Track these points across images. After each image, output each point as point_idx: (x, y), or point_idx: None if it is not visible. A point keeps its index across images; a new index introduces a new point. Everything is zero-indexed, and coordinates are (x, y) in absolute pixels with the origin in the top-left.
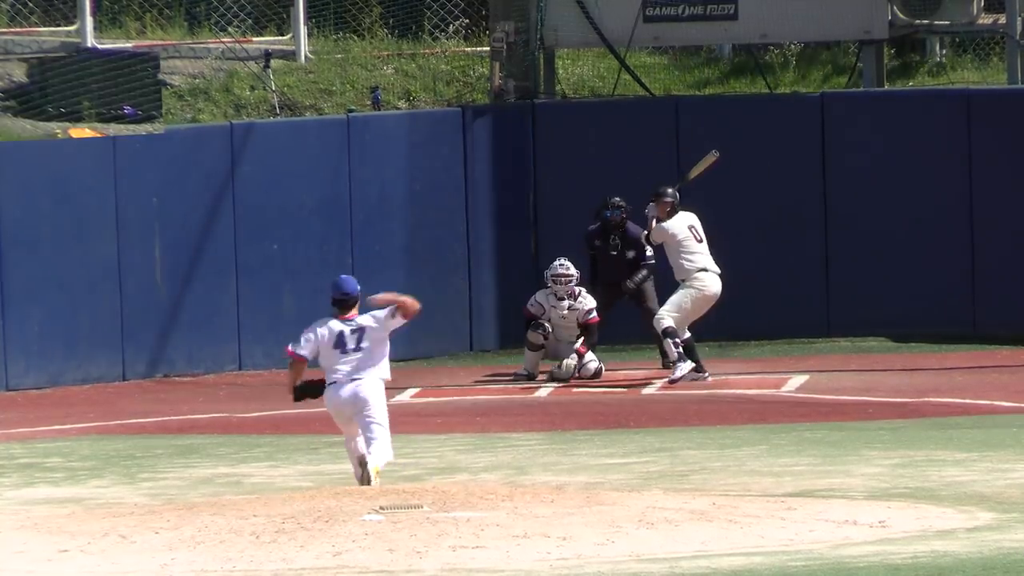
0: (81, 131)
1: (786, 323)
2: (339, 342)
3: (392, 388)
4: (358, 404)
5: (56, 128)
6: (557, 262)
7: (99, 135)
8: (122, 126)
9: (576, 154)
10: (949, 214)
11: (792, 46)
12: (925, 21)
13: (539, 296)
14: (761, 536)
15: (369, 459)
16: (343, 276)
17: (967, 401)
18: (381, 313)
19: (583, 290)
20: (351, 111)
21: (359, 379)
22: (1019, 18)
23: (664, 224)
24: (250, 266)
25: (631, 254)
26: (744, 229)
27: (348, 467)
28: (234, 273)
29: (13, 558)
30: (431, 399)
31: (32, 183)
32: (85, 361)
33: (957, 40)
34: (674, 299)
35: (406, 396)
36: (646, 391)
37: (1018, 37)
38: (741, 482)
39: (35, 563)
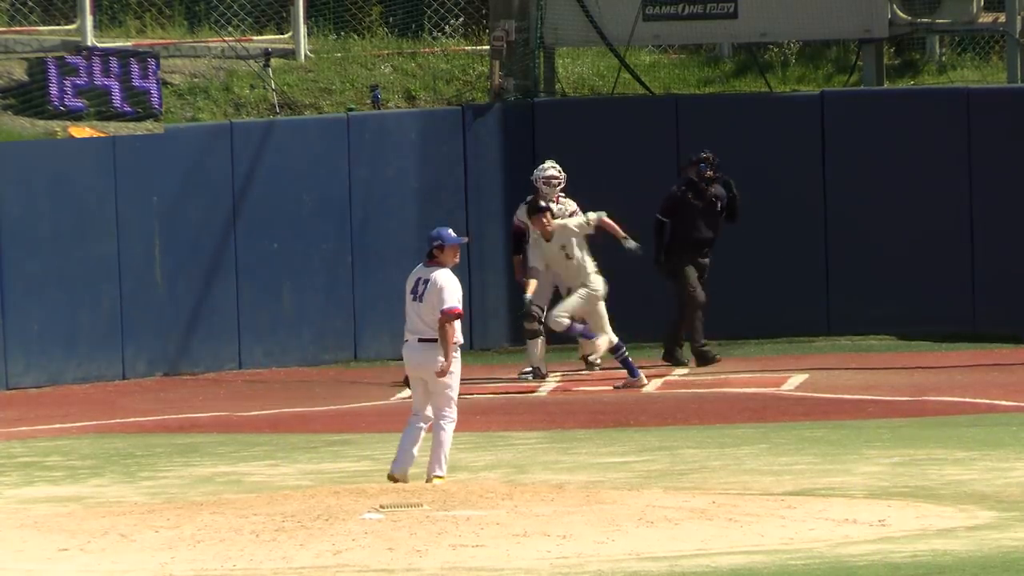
0: (81, 130)
1: (786, 321)
2: (413, 287)
3: (392, 387)
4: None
5: (56, 127)
6: (547, 163)
7: (99, 134)
8: (122, 124)
9: (576, 152)
10: (949, 213)
11: (792, 45)
12: (925, 20)
13: (520, 212)
14: (761, 535)
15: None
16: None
17: (967, 400)
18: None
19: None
20: (351, 110)
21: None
22: (1019, 17)
23: (566, 222)
24: (250, 265)
25: (720, 206)
26: (744, 228)
27: (348, 466)
28: (234, 272)
29: (13, 556)
30: None
31: (32, 183)
32: (85, 360)
33: (957, 39)
34: (574, 302)
35: (406, 394)
36: (646, 389)
37: (1018, 36)
38: (741, 481)
39: (35, 562)
